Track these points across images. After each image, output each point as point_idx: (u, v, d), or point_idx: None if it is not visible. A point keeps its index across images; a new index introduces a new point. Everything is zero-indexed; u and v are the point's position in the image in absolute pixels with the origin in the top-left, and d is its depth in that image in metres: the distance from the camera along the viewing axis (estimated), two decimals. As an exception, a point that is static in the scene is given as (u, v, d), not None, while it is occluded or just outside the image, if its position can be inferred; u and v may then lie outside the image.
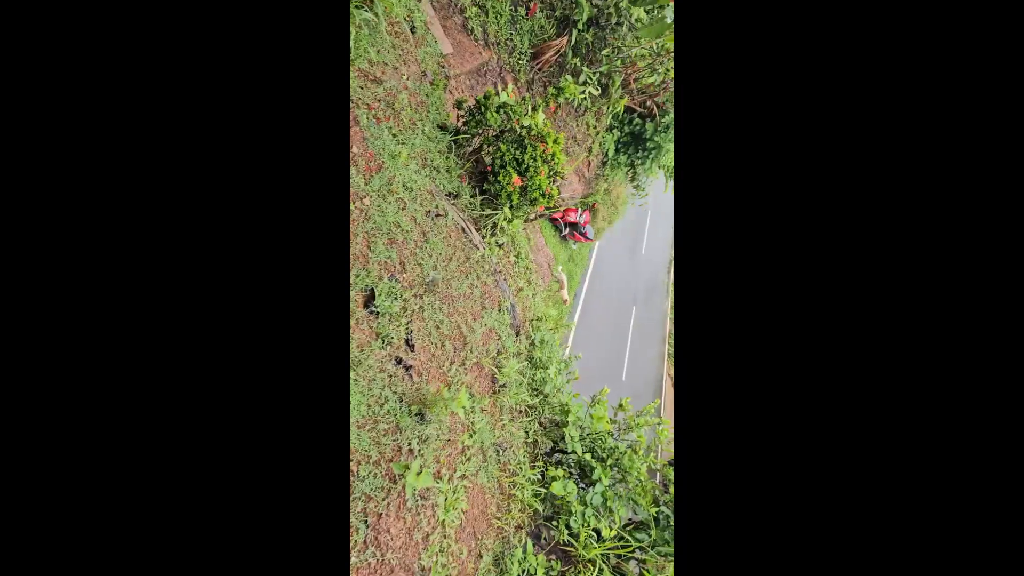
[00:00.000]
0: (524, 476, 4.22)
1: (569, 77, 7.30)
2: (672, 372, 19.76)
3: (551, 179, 4.59)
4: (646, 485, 4.63)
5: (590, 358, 14.33)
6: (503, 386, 4.30)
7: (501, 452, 4.13)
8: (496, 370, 4.30)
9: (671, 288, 21.18)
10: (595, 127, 8.38)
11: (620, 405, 5.28)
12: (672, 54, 7.52)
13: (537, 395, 4.75)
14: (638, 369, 17.23)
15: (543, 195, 4.58)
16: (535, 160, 4.48)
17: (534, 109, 4.58)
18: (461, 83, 5.95)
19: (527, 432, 4.58)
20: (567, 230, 12.71)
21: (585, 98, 7.67)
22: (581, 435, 4.86)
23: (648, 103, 8.50)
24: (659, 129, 9.18)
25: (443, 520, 3.42)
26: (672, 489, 4.88)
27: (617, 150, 9.73)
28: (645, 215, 20.14)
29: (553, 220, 12.73)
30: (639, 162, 9.82)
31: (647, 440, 5.10)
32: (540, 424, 4.78)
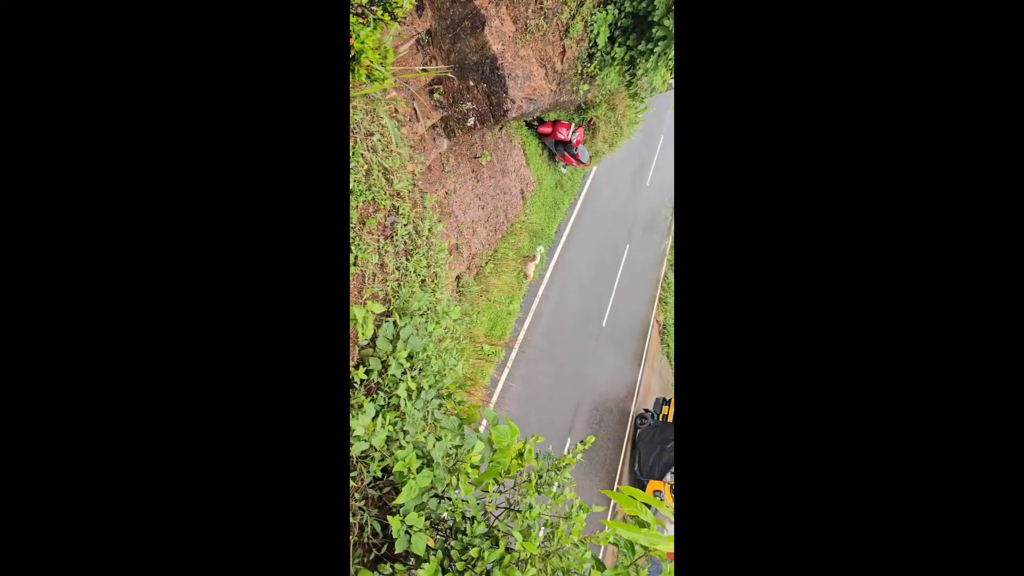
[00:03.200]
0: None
1: None
2: (660, 319, 18.08)
3: (367, 24, 1.94)
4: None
5: (570, 299, 12.58)
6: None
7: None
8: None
9: (673, 227, 19.07)
10: (575, -8, 5.56)
11: (520, 454, 3.18)
12: None
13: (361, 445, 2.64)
14: (622, 315, 15.57)
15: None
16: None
17: None
18: None
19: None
20: (557, 150, 10.23)
21: (558, -65, 4.85)
22: (436, 503, 2.86)
23: (660, -40, 5.61)
24: (672, 9, 6.30)
25: None
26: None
27: (612, 38, 6.86)
28: (656, 139, 17.48)
29: (541, 135, 10.18)
30: (641, 59, 6.98)
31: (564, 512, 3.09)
32: (357, 498, 2.72)
